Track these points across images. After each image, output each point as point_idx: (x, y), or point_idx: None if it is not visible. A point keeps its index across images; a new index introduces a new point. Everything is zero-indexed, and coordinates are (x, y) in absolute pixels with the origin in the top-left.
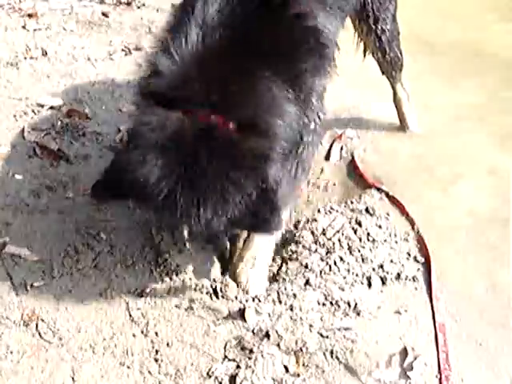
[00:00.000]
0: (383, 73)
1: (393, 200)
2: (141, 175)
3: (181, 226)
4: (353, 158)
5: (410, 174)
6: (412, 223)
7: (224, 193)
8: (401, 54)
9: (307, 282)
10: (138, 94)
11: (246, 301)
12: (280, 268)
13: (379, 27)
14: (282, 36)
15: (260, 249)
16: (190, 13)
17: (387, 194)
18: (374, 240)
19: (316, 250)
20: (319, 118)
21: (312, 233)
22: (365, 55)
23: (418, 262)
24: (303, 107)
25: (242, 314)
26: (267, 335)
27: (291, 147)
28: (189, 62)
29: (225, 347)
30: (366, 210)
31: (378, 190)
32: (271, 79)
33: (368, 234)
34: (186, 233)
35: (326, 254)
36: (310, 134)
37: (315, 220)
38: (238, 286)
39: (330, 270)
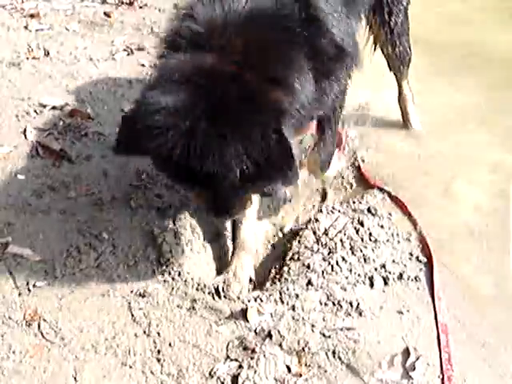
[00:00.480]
0: (391, 68)
1: (395, 200)
2: (166, 105)
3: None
4: (355, 158)
5: (412, 174)
6: (414, 223)
7: (244, 134)
8: (409, 48)
9: (309, 282)
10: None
11: (248, 301)
12: (282, 268)
13: (393, 20)
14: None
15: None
16: None
17: (389, 194)
18: (376, 240)
19: (318, 250)
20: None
21: (314, 233)
22: (375, 49)
23: (420, 261)
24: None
25: (244, 314)
26: (269, 335)
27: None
28: (225, 16)
29: (227, 347)
30: (368, 209)
31: (381, 190)
32: (299, 55)
33: (370, 233)
34: (189, 230)
35: (328, 254)
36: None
37: (317, 220)
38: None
39: (332, 270)
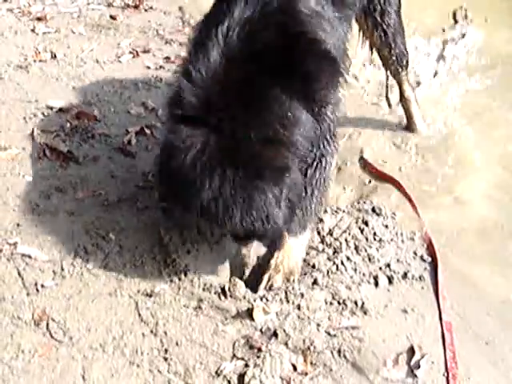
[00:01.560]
0: (389, 71)
1: (406, 195)
2: (176, 193)
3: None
4: (362, 157)
5: (418, 173)
6: (421, 223)
7: (249, 200)
8: (406, 50)
9: (315, 282)
10: (165, 116)
11: (254, 300)
12: None
13: (385, 21)
14: (296, 57)
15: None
16: (211, 32)
17: (399, 185)
18: (380, 239)
19: (323, 250)
20: (334, 130)
21: (318, 233)
22: (372, 52)
23: (424, 261)
24: (318, 119)
25: (250, 313)
26: (275, 334)
27: (308, 155)
28: (210, 83)
29: (233, 346)
30: (373, 209)
31: (394, 183)
32: (287, 95)
33: (374, 233)
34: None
35: (333, 253)
36: (326, 146)
37: (321, 220)
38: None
39: (337, 269)
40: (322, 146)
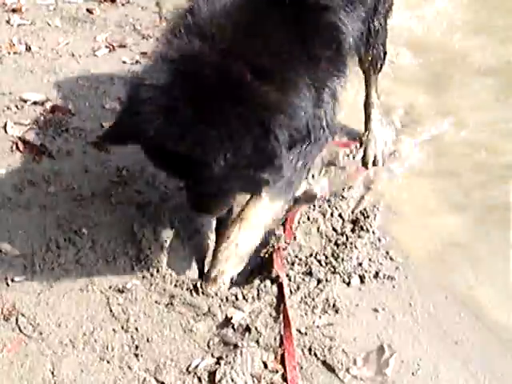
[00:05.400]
0: (362, 71)
1: None
2: (148, 86)
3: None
4: None
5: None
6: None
7: (231, 132)
8: (384, 54)
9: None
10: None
11: (226, 297)
12: (260, 266)
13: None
14: (302, 22)
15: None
16: None
17: None
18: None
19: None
20: (329, 116)
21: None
22: None
23: (395, 260)
24: (315, 96)
25: (221, 310)
26: (247, 331)
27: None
28: (221, 10)
29: (205, 343)
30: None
31: None
32: (292, 47)
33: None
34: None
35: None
36: (319, 130)
37: (292, 219)
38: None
39: (310, 268)
40: (313, 130)
